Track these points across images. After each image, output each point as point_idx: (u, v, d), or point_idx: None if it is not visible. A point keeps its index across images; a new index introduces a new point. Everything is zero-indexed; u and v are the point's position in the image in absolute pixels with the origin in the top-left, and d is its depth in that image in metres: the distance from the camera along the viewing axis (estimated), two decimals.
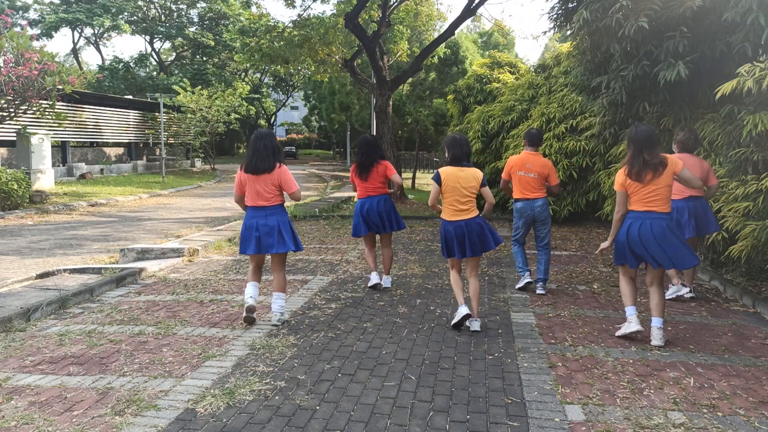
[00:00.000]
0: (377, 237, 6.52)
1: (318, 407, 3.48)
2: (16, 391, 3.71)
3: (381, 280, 6.32)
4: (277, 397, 3.60)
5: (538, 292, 6.14)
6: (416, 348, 4.49)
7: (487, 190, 4.95)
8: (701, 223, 5.49)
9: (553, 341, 4.65)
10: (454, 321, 4.92)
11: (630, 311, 4.67)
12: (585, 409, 3.46)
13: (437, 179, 4.92)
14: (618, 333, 4.75)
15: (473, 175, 4.87)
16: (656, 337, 4.53)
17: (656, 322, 4.55)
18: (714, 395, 3.65)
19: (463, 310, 4.83)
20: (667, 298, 5.54)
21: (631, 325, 4.63)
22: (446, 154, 5.00)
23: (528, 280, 6.24)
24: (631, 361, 4.22)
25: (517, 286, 6.30)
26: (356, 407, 3.48)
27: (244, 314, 5.00)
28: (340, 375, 3.96)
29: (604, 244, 4.82)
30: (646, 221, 4.46)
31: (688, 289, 5.84)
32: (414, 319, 5.22)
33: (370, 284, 6.29)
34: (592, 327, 5.01)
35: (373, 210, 6.13)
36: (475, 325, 4.88)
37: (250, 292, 5.05)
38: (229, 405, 3.49)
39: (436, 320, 5.20)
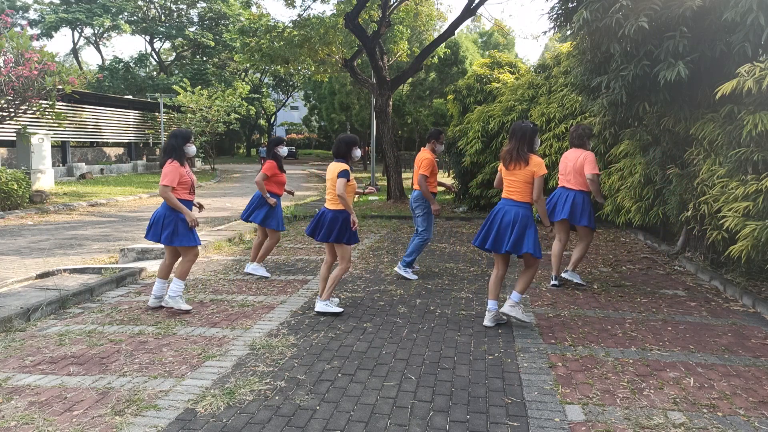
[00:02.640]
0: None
1: (318, 407, 3.48)
2: (16, 391, 3.71)
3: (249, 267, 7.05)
4: (277, 397, 3.61)
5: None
6: (416, 348, 4.49)
7: (338, 182, 5.36)
8: (575, 212, 6.24)
9: (553, 341, 4.65)
10: (340, 311, 5.41)
11: (517, 297, 5.08)
12: (585, 409, 3.47)
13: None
14: (519, 317, 4.99)
15: (334, 168, 5.46)
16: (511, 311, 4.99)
17: (515, 296, 5.05)
18: (714, 395, 3.66)
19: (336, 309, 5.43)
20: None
21: (525, 314, 5.09)
22: None
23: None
24: (631, 361, 4.23)
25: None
26: (356, 407, 3.48)
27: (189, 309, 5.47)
28: (340, 375, 3.96)
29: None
30: (504, 207, 4.96)
31: (556, 282, 6.51)
32: (414, 319, 5.22)
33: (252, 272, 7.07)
34: (592, 327, 5.01)
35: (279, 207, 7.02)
36: (319, 305, 5.44)
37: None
38: (229, 405, 3.50)
39: (436, 320, 5.21)
